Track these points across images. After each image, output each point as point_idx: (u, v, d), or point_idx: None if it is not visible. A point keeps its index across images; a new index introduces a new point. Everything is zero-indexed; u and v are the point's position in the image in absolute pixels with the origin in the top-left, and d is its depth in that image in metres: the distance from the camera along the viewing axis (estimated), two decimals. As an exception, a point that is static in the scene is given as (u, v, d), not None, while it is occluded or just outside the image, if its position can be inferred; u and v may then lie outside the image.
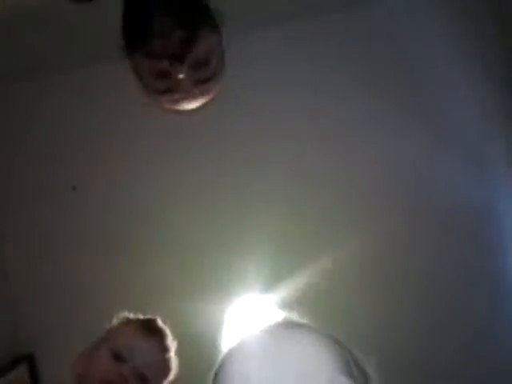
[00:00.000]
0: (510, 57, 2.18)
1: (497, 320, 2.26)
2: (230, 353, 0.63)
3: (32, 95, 2.43)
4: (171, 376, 1.28)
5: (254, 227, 2.34)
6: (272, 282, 2.23)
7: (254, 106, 2.36)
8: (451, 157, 2.26)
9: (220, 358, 0.63)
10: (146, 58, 0.95)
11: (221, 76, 1.04)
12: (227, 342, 0.65)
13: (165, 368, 1.27)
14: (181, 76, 0.95)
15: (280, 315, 0.71)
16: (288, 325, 0.67)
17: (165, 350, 1.27)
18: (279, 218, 2.33)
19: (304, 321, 0.69)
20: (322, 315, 0.66)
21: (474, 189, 2.25)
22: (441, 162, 2.29)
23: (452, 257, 2.28)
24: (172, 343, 1.29)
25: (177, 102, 1.03)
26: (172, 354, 1.28)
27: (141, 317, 1.33)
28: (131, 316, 1.33)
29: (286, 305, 2.06)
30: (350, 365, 0.61)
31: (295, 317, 0.70)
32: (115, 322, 1.32)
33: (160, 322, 1.31)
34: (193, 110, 1.07)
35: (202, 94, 1.03)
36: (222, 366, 0.62)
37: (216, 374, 0.62)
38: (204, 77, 0.99)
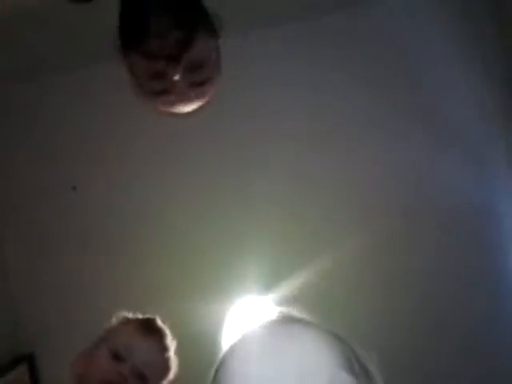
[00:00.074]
0: (510, 57, 2.18)
1: (497, 320, 2.26)
2: (230, 350, 0.62)
3: (32, 95, 2.43)
4: (171, 375, 1.28)
5: (255, 227, 2.34)
6: (272, 282, 2.23)
7: (253, 106, 2.36)
8: (451, 157, 2.26)
9: (220, 355, 0.63)
10: (142, 58, 0.94)
11: (216, 80, 1.04)
12: (228, 341, 0.64)
13: (164, 367, 1.27)
14: (176, 77, 0.94)
15: (279, 310, 0.70)
16: (288, 320, 0.66)
17: (164, 349, 1.27)
18: (279, 218, 2.33)
19: (304, 316, 0.68)
20: (322, 315, 0.66)
21: (473, 189, 2.25)
22: (441, 162, 2.29)
23: (452, 257, 2.28)
24: (171, 342, 1.29)
25: (172, 103, 1.02)
26: (171, 353, 1.28)
27: (140, 316, 1.33)
28: (130, 316, 1.33)
29: (286, 305, 2.06)
30: (352, 361, 0.60)
31: (295, 312, 0.69)
32: (114, 321, 1.32)
33: (159, 322, 1.32)
34: (188, 114, 1.07)
35: (197, 97, 1.03)
36: (222, 364, 0.61)
37: (216, 372, 0.62)
38: (199, 80, 0.99)
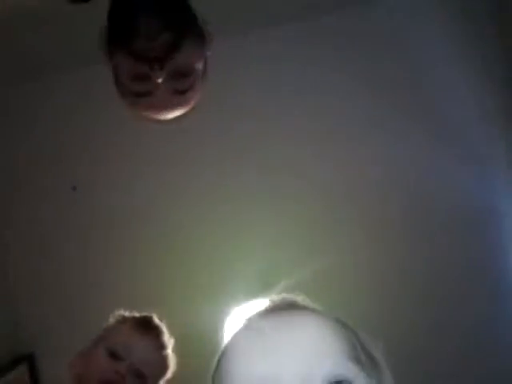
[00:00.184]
0: (510, 57, 2.18)
1: (497, 320, 2.26)
2: (233, 338, 0.61)
3: (32, 95, 2.43)
4: (169, 373, 1.28)
5: (255, 227, 2.34)
6: (272, 282, 2.23)
7: (253, 106, 2.36)
8: (451, 157, 2.26)
9: (223, 344, 0.62)
10: (128, 58, 0.93)
11: (200, 88, 1.03)
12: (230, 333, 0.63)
13: (162, 365, 1.27)
14: (159, 80, 0.93)
15: (282, 297, 0.68)
16: (291, 307, 0.64)
17: (161, 347, 1.27)
18: (280, 218, 2.33)
19: (307, 303, 0.67)
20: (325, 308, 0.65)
21: (474, 189, 2.25)
22: (441, 162, 2.29)
23: (452, 257, 2.28)
24: (169, 340, 1.29)
25: (152, 108, 1.01)
26: (169, 351, 1.28)
27: (137, 315, 1.33)
28: (127, 314, 1.33)
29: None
30: (357, 349, 0.58)
31: (298, 299, 0.68)
32: (111, 320, 1.32)
33: (156, 320, 1.32)
34: (170, 120, 1.06)
35: (178, 104, 1.02)
36: (224, 352, 0.60)
37: (219, 360, 0.61)
38: (182, 88, 0.98)
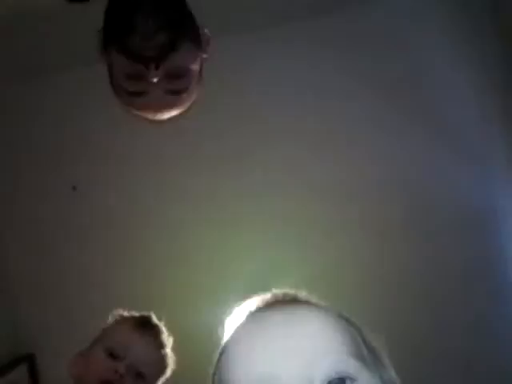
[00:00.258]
0: (510, 57, 2.18)
1: (497, 320, 2.26)
2: (234, 333, 0.60)
3: (32, 95, 2.43)
4: (168, 372, 1.28)
5: (255, 227, 2.34)
6: (272, 282, 2.23)
7: (253, 106, 2.36)
8: (451, 157, 2.26)
9: (224, 339, 0.61)
10: (124, 57, 0.93)
11: (195, 89, 1.03)
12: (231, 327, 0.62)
13: (161, 364, 1.27)
14: (154, 80, 0.93)
15: (284, 292, 0.67)
16: (293, 301, 0.63)
17: (160, 346, 1.27)
18: (280, 219, 2.33)
19: (309, 297, 0.65)
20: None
21: (474, 189, 2.25)
22: (441, 162, 2.29)
23: (452, 256, 2.28)
24: (167, 339, 1.29)
25: (148, 107, 1.01)
26: (168, 350, 1.28)
27: (135, 314, 1.33)
28: (126, 314, 1.33)
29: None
30: (360, 345, 0.57)
31: (301, 293, 0.66)
32: (110, 320, 1.32)
33: (154, 319, 1.32)
34: (163, 121, 1.06)
35: (173, 105, 1.02)
36: (225, 347, 0.59)
37: (220, 356, 0.60)
38: (176, 88, 0.98)
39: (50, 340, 2.35)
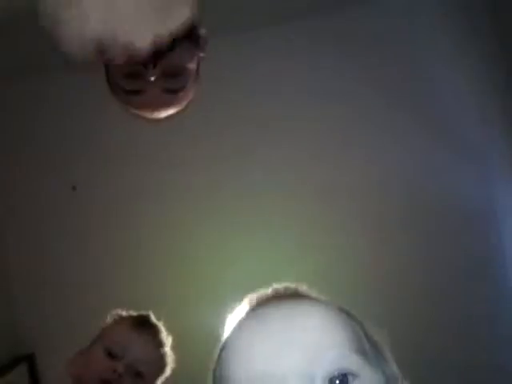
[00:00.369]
0: (510, 57, 2.18)
1: (497, 320, 2.26)
2: (234, 329, 0.59)
3: (32, 95, 2.43)
4: (167, 371, 1.28)
5: (256, 227, 2.34)
6: (273, 281, 2.22)
7: (253, 106, 2.36)
8: (451, 157, 2.26)
9: (225, 334, 0.60)
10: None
11: (191, 90, 1.03)
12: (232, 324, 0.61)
13: (160, 363, 1.27)
14: (152, 78, 0.93)
15: (285, 286, 0.66)
16: (294, 296, 0.62)
17: (159, 345, 1.27)
18: (280, 218, 2.33)
19: (311, 292, 0.64)
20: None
21: (473, 189, 2.25)
22: (441, 162, 2.29)
23: (452, 257, 2.28)
24: (166, 338, 1.29)
25: (145, 106, 1.01)
26: (167, 349, 1.28)
27: (134, 313, 1.33)
28: (124, 313, 1.33)
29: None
30: (362, 339, 0.57)
31: (302, 288, 0.65)
32: (109, 320, 1.32)
33: (153, 318, 1.32)
34: (163, 119, 1.06)
35: (170, 103, 1.02)
36: (226, 343, 0.59)
37: (221, 351, 0.59)
38: (174, 87, 0.98)
39: (50, 340, 2.35)
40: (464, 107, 2.27)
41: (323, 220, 2.34)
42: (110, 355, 1.20)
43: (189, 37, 0.97)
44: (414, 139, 2.30)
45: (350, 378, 0.51)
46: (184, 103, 1.04)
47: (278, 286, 0.66)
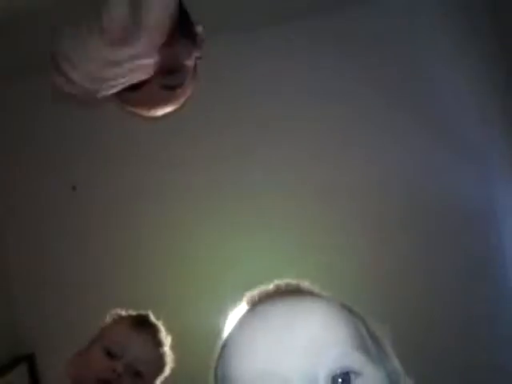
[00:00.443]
0: (510, 57, 2.18)
1: (497, 320, 2.26)
2: (235, 326, 0.58)
3: (32, 95, 2.43)
4: (166, 371, 1.28)
5: (256, 227, 2.34)
6: (273, 281, 2.22)
7: (253, 106, 2.36)
8: (451, 157, 2.26)
9: (227, 331, 0.59)
10: None
11: (189, 87, 1.03)
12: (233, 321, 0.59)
13: (159, 363, 1.27)
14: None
15: (287, 282, 0.65)
16: (296, 292, 0.61)
17: (158, 344, 1.27)
18: (281, 218, 2.33)
19: (313, 288, 0.63)
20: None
21: (473, 189, 2.25)
22: (441, 162, 2.29)
23: (451, 257, 2.28)
24: (165, 338, 1.29)
25: (142, 103, 1.01)
26: (166, 348, 1.28)
27: (133, 313, 1.33)
28: (123, 313, 1.33)
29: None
30: (364, 336, 0.56)
31: (304, 284, 0.64)
32: (108, 319, 1.32)
33: (152, 318, 1.32)
34: (157, 118, 1.06)
35: (168, 100, 1.01)
36: (228, 339, 0.58)
37: (222, 348, 0.59)
38: (171, 83, 0.98)
39: (50, 340, 2.35)
40: (464, 107, 2.27)
41: (323, 220, 2.34)
42: (109, 355, 1.20)
43: (186, 35, 0.97)
44: (414, 139, 2.30)
45: (353, 376, 0.50)
46: (181, 100, 1.04)
47: (280, 282, 0.65)
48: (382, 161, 2.34)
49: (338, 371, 0.50)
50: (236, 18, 2.19)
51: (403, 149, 2.33)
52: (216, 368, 0.59)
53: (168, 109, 1.04)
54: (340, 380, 0.50)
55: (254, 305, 0.61)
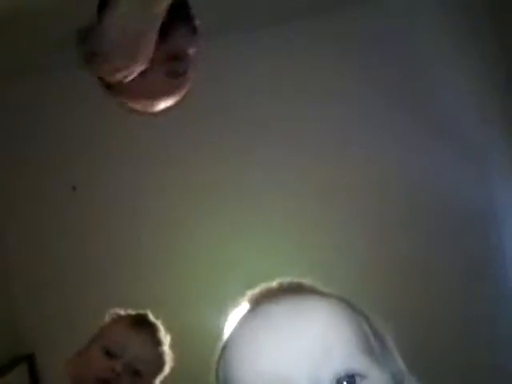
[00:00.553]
0: (510, 57, 2.18)
1: (497, 320, 2.26)
2: (237, 326, 0.57)
3: (32, 95, 2.43)
4: (165, 370, 1.28)
5: (256, 226, 2.34)
6: (273, 281, 2.22)
7: (253, 106, 2.36)
8: (451, 157, 2.26)
9: (228, 330, 0.58)
10: None
11: (191, 77, 1.03)
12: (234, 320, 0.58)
13: (158, 362, 1.27)
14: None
15: (289, 280, 0.63)
16: (299, 291, 0.60)
17: (157, 343, 1.27)
18: (281, 218, 2.33)
19: (316, 286, 0.62)
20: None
21: (473, 189, 2.25)
22: (441, 162, 2.29)
23: (452, 257, 2.28)
24: (165, 337, 1.29)
25: (145, 92, 1.01)
26: (165, 347, 1.28)
27: (132, 313, 1.33)
28: (122, 312, 1.33)
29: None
30: (369, 337, 0.55)
31: (307, 282, 0.63)
32: (107, 319, 1.32)
33: (151, 317, 1.31)
34: (157, 112, 1.06)
35: (171, 89, 1.02)
36: (229, 339, 0.57)
37: (224, 347, 0.57)
38: (175, 70, 0.99)
39: (50, 340, 2.35)
40: (464, 107, 2.27)
41: (323, 220, 2.34)
42: (109, 354, 1.20)
43: (187, 24, 0.98)
44: (414, 139, 2.30)
45: (358, 379, 0.49)
46: (183, 91, 1.05)
47: (283, 280, 0.64)
48: (381, 161, 2.34)
49: (343, 374, 0.49)
50: (236, 18, 2.19)
51: (403, 149, 2.33)
52: (217, 369, 0.58)
53: (170, 101, 1.04)
54: (345, 383, 0.49)
55: (256, 304, 0.59)
